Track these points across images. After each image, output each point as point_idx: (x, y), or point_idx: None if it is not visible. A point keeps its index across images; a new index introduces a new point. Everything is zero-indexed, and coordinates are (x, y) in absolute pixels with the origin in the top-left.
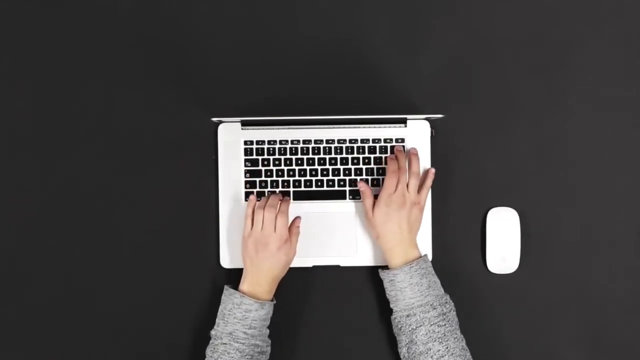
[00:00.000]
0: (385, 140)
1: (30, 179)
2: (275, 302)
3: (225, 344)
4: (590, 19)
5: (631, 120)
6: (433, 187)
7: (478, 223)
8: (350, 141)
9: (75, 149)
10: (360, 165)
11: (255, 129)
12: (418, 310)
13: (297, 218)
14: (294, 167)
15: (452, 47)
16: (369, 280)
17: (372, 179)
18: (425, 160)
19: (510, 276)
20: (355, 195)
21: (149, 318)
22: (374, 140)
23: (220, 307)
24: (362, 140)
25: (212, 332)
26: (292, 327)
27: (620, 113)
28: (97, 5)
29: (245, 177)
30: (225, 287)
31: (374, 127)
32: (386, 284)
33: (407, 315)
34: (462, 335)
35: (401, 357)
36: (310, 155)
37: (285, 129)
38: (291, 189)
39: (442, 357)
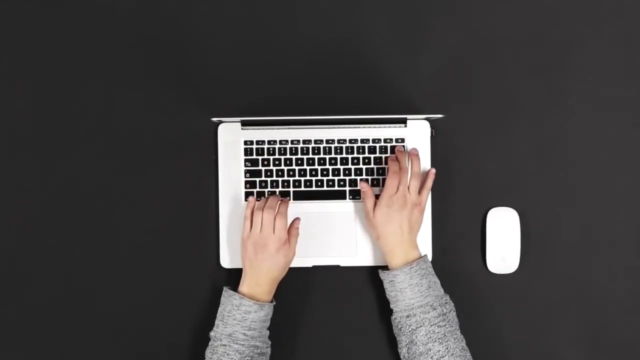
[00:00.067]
0: (385, 140)
1: (30, 179)
2: (274, 303)
3: (225, 345)
4: (590, 19)
5: (631, 120)
6: (433, 187)
7: (478, 223)
8: (350, 141)
9: (75, 149)
10: (360, 165)
11: (255, 129)
12: (418, 310)
13: (297, 219)
14: (294, 167)
15: (452, 47)
16: (369, 281)
17: (372, 179)
18: (425, 161)
19: (510, 276)
20: (355, 195)
21: (149, 318)
22: (374, 140)
23: (220, 309)
24: (362, 140)
25: (212, 334)
26: (292, 328)
27: (620, 113)
28: (97, 5)
29: (245, 177)
30: (225, 288)
31: (374, 127)
32: (386, 285)
33: (407, 316)
34: (462, 336)
35: (401, 357)
36: (310, 155)
37: (285, 129)
38: (291, 189)
39: (442, 357)
